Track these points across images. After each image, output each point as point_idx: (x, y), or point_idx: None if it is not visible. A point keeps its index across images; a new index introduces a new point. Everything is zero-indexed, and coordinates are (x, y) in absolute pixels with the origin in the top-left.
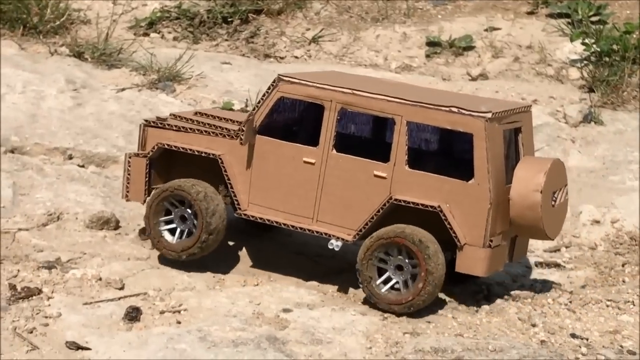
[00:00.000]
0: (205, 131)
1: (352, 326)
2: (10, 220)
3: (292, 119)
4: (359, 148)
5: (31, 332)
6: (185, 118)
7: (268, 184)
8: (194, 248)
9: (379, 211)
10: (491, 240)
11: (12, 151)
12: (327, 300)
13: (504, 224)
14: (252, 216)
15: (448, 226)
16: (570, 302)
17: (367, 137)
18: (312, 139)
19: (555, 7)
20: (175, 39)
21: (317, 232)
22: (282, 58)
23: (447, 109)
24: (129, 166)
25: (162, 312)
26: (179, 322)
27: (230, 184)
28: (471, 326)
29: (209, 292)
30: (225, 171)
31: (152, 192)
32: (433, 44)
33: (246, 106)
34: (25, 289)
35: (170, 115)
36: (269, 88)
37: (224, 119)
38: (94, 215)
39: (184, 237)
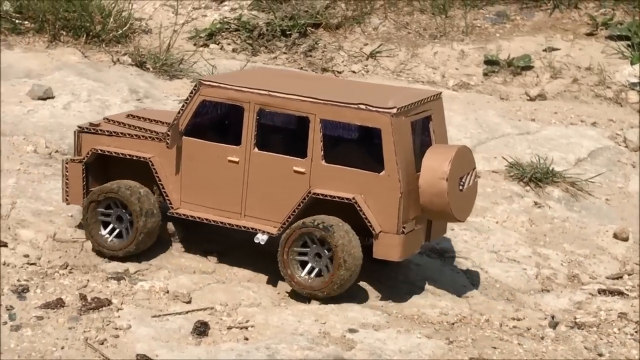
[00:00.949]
0: (136, 135)
1: (418, 349)
2: (79, 229)
3: (216, 120)
4: (285, 142)
5: (102, 344)
6: (117, 122)
7: (197, 183)
8: (131, 247)
9: (299, 205)
10: (404, 227)
11: None
12: (392, 322)
13: (416, 210)
14: (184, 214)
15: (363, 216)
16: (637, 332)
17: (292, 130)
18: (236, 138)
19: (615, 29)
20: (234, 50)
21: (245, 227)
22: (339, 72)
23: (356, 106)
24: (67, 171)
25: (229, 328)
26: (246, 339)
27: (161, 184)
28: (537, 354)
29: (274, 308)
30: (156, 173)
31: (88, 195)
32: (491, 63)
33: None
34: (95, 299)
35: (104, 119)
36: (191, 92)
37: (155, 120)
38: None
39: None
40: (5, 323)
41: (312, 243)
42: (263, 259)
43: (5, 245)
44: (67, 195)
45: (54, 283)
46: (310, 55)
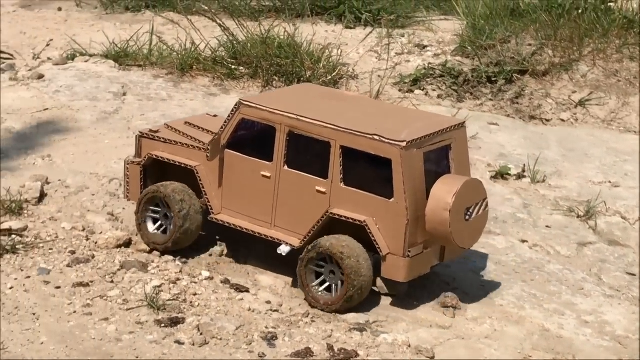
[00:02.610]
0: (185, 144)
1: None
2: None
3: (254, 136)
4: (311, 162)
5: None
6: (174, 129)
7: (235, 192)
8: (169, 243)
9: (318, 222)
10: (409, 251)
11: None
12: None
13: (425, 235)
14: (222, 221)
15: (372, 238)
16: None
17: (318, 152)
18: (269, 155)
19: None
20: (439, 96)
21: (272, 237)
22: (547, 120)
23: (371, 136)
24: (128, 172)
25: None
26: None
27: (204, 191)
28: None
29: None
30: (200, 180)
31: (141, 193)
32: None
33: (523, 171)
34: (342, 350)
35: (164, 125)
36: (232, 110)
37: (208, 130)
38: None
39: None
40: None
41: (328, 262)
42: (497, 314)
43: (247, 290)
44: (128, 193)
45: (300, 332)
46: (517, 103)
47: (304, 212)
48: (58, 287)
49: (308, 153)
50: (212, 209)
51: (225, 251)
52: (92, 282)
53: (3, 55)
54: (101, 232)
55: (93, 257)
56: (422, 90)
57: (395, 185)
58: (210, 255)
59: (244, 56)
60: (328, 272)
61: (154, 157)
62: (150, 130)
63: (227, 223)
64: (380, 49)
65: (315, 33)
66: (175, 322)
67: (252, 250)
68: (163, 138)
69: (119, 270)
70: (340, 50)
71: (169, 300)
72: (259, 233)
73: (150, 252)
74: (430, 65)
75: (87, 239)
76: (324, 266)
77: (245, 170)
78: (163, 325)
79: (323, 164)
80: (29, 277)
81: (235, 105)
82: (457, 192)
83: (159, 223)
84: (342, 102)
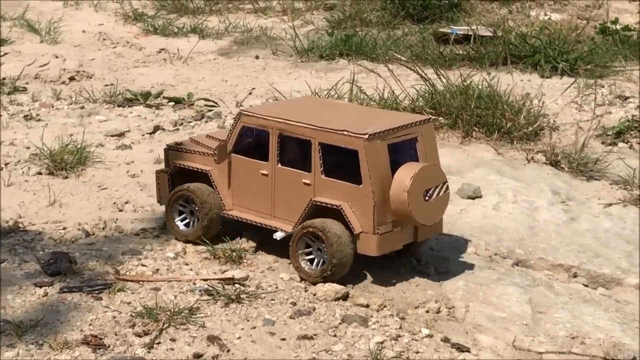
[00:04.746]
0: (201, 152)
1: None
2: (535, 339)
3: (255, 141)
4: (298, 159)
5: None
6: (196, 141)
7: (242, 190)
8: (196, 234)
9: (305, 209)
10: (378, 229)
11: (516, 264)
12: None
13: (393, 215)
14: (234, 216)
15: (346, 220)
16: None
17: (304, 150)
18: (266, 156)
19: None
20: None
21: (271, 226)
22: None
23: (340, 132)
24: (158, 180)
25: None
26: None
27: (217, 191)
28: None
29: None
30: (213, 182)
31: (170, 192)
32: None
33: None
34: None
35: (189, 139)
36: (234, 120)
37: (224, 141)
38: (612, 343)
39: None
40: None
41: (314, 241)
42: None
43: (468, 350)
44: (160, 198)
45: None
46: None
47: (295, 202)
48: (283, 339)
49: (295, 151)
50: (224, 206)
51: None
52: (315, 335)
53: (208, 103)
54: (317, 285)
55: (314, 309)
56: (626, 143)
57: (362, 173)
58: (427, 311)
59: (443, 106)
60: (316, 250)
61: (179, 165)
62: (175, 143)
63: (237, 217)
64: (580, 100)
65: (515, 83)
66: None
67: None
68: (184, 149)
69: (340, 324)
70: (542, 102)
71: (392, 357)
72: (262, 224)
73: (366, 306)
74: (634, 118)
75: (305, 291)
76: (311, 245)
77: (248, 170)
78: None
79: (307, 160)
80: (254, 327)
81: (237, 115)
82: (415, 175)
83: (185, 218)
84: (328, 108)
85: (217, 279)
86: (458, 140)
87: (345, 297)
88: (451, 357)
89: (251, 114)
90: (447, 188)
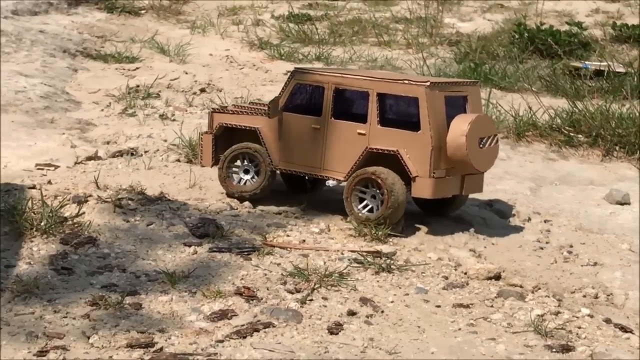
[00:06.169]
0: (248, 111)
1: None
2: None
3: (306, 98)
4: (352, 112)
5: None
6: (240, 105)
7: (291, 145)
8: (257, 190)
9: (360, 157)
10: (434, 173)
11: None
12: None
13: (446, 163)
14: (282, 169)
15: (403, 164)
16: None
17: (358, 103)
18: (318, 111)
19: None
20: None
21: (321, 176)
22: None
23: (401, 81)
24: (201, 141)
25: None
26: None
27: (266, 147)
28: None
29: None
30: (262, 138)
31: (227, 150)
32: None
33: None
34: None
35: (232, 105)
36: (288, 77)
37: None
38: None
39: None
40: None
41: (369, 187)
42: None
43: (632, 332)
44: (201, 160)
45: None
46: None
47: (348, 152)
48: (438, 306)
49: (350, 104)
50: (271, 162)
51: None
52: (471, 304)
53: None
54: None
55: (467, 283)
56: None
57: (421, 119)
58: (585, 296)
59: (582, 125)
60: (370, 197)
61: (224, 124)
62: (220, 106)
63: (287, 170)
64: None
65: None
66: (566, 348)
67: None
68: (231, 110)
69: (496, 297)
70: None
71: (555, 328)
72: (312, 174)
73: (520, 287)
74: None
75: (456, 269)
76: (366, 192)
77: (299, 125)
78: (554, 350)
79: (363, 111)
80: (407, 294)
81: (291, 73)
82: (472, 121)
83: (242, 177)
84: (374, 72)
85: (365, 252)
86: (598, 158)
87: (497, 277)
88: (615, 335)
89: (306, 71)
90: (498, 141)
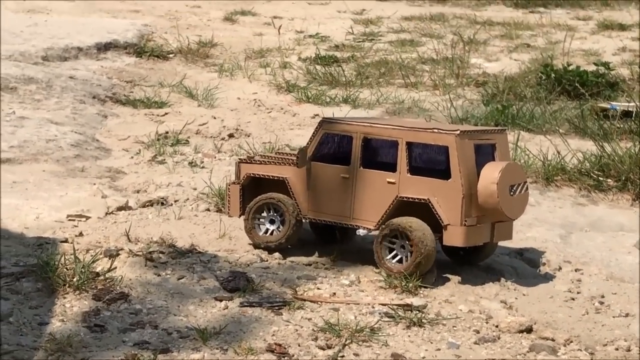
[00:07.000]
0: (276, 161)
1: None
2: None
3: (334, 147)
4: (381, 161)
5: None
6: (268, 155)
7: (320, 195)
8: (282, 239)
9: (390, 206)
10: (466, 221)
11: None
12: None
13: (477, 211)
14: (311, 218)
15: (434, 212)
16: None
17: (386, 152)
18: (347, 161)
19: None
20: None
21: (351, 225)
22: None
23: (431, 130)
24: (229, 192)
25: None
26: None
27: (294, 197)
28: None
29: None
30: (290, 189)
31: (253, 200)
32: None
33: None
34: None
35: (257, 155)
36: (316, 127)
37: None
38: None
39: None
40: None
41: (399, 238)
42: None
43: None
44: (229, 210)
45: None
46: None
47: (377, 201)
48: None
49: (379, 153)
50: (300, 211)
51: None
52: None
53: None
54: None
55: (499, 337)
56: None
57: (452, 168)
58: (617, 349)
59: (611, 169)
60: (399, 247)
61: (252, 175)
62: (248, 157)
63: (314, 219)
64: None
65: None
66: None
67: None
68: (258, 160)
69: (528, 351)
70: None
71: None
72: (341, 223)
73: (552, 340)
74: None
75: (487, 322)
76: (395, 242)
77: (328, 175)
78: None
79: (392, 160)
80: (439, 349)
81: (319, 122)
82: (503, 169)
83: (268, 227)
84: (398, 121)
85: (396, 305)
86: (628, 202)
87: (529, 330)
88: None
89: (334, 120)
90: (527, 188)
